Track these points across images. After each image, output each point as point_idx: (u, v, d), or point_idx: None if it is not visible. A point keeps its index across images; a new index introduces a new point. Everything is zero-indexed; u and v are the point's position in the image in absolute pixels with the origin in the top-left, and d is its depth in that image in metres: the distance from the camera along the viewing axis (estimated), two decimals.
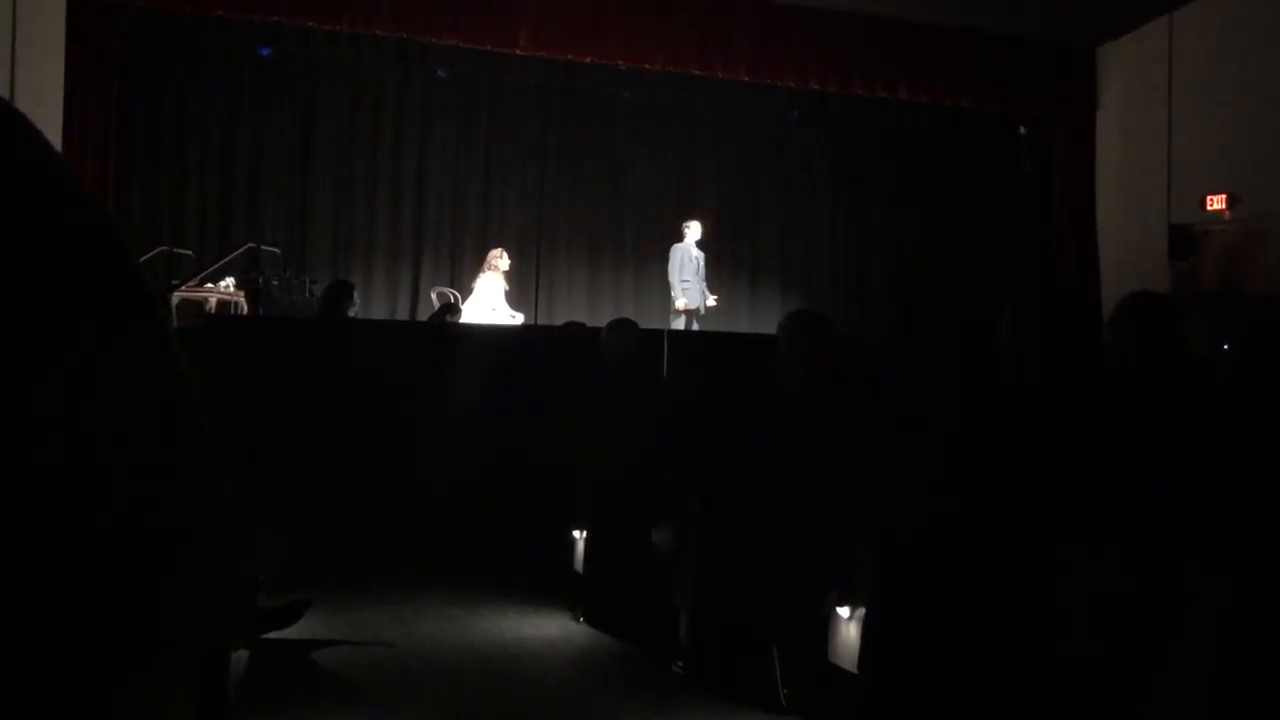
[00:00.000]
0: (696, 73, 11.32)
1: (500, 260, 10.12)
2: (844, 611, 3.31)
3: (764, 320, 11.68)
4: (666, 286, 10.98)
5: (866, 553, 3.18)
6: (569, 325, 7.57)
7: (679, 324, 10.47)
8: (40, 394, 0.56)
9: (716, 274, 11.54)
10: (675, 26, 10.95)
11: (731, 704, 3.75)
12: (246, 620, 4.06)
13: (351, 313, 7.31)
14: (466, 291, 10.43)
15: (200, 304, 9.03)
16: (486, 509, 5.98)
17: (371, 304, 11.02)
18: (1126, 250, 12.17)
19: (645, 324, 5.95)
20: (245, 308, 9.04)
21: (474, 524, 5.93)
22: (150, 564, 0.60)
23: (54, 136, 8.93)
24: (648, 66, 11.14)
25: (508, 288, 10.20)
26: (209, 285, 9.21)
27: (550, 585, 5.21)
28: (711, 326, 10.82)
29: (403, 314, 11.50)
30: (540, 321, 11.38)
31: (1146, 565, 2.43)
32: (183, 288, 8.97)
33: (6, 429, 0.54)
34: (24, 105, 0.68)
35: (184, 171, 10.91)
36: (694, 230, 10.82)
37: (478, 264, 10.58)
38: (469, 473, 6.16)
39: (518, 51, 10.68)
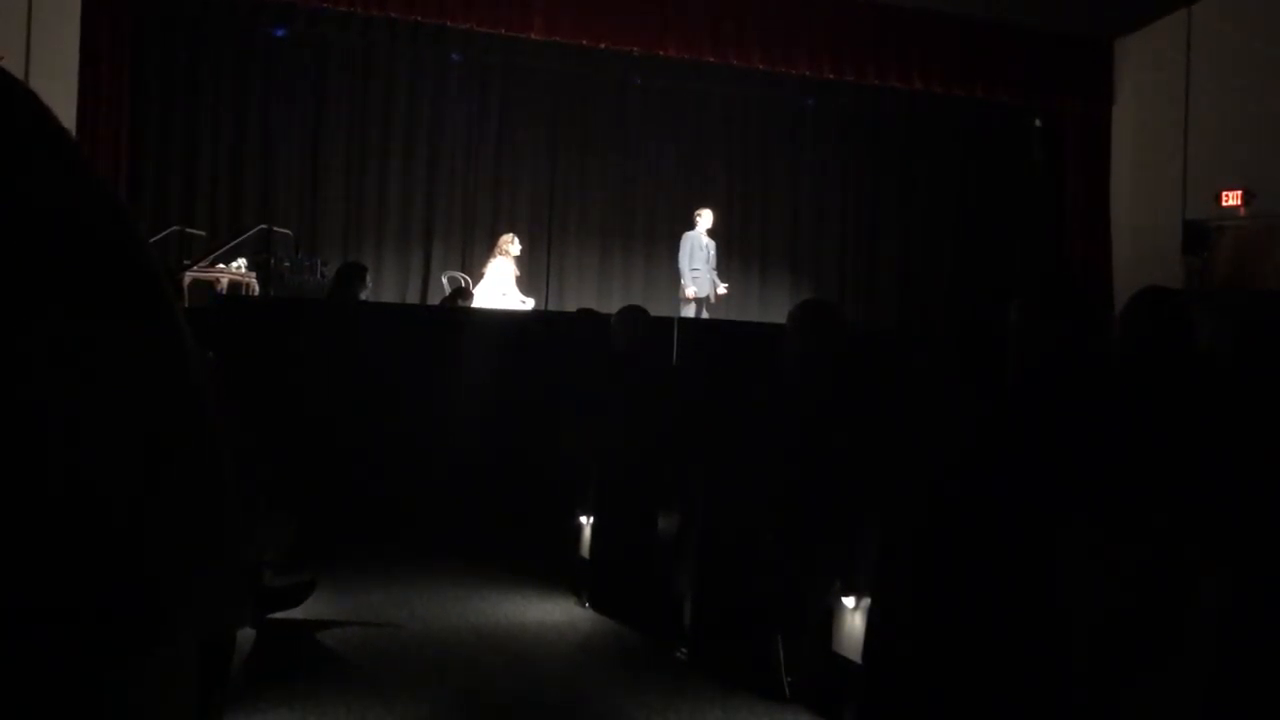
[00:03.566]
0: (710, 60, 11.28)
1: (511, 245, 10.12)
2: (849, 601, 3.31)
3: (774, 309, 11.67)
4: (676, 274, 10.97)
5: (871, 542, 3.18)
6: (581, 313, 7.57)
7: (689, 312, 10.46)
8: (44, 375, 0.56)
9: (726, 262, 11.52)
10: (689, 13, 10.91)
11: (735, 691, 3.76)
12: (252, 601, 4.08)
13: (363, 295, 7.31)
14: (477, 276, 10.43)
15: (212, 284, 9.06)
16: (494, 493, 6.00)
17: (382, 287, 11.04)
18: (1139, 245, 12.12)
19: (654, 311, 5.95)
20: (256, 289, 9.06)
21: (481, 508, 5.95)
22: (152, 545, 0.60)
23: (67, 116, 8.95)
24: (661, 53, 11.11)
25: (518, 273, 10.20)
26: (220, 266, 9.24)
27: (556, 570, 5.23)
28: (721, 315, 10.82)
29: (413, 297, 11.51)
30: (550, 307, 11.38)
31: (1150, 559, 2.43)
32: (194, 268, 9.00)
33: (8, 411, 0.55)
34: (38, 84, 0.69)
35: (196, 152, 10.93)
36: (705, 218, 10.80)
37: (488, 248, 10.58)
38: (477, 457, 6.18)
39: (531, 36, 10.66)
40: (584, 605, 4.90)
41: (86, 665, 0.57)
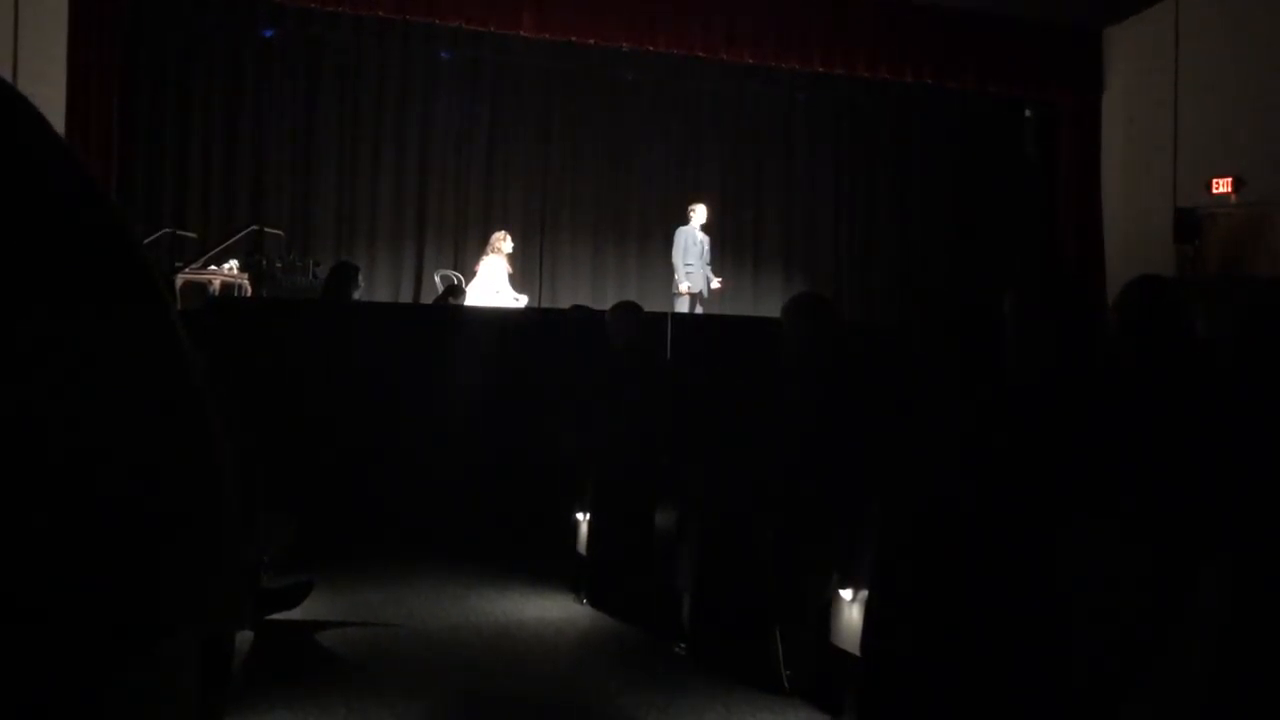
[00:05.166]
0: (701, 55, 11.28)
1: (504, 243, 10.11)
2: (846, 594, 3.32)
3: (767, 303, 11.68)
4: (670, 269, 10.97)
5: (869, 535, 3.18)
6: (575, 309, 7.56)
7: (682, 307, 10.46)
8: (43, 375, 0.56)
9: (720, 257, 11.53)
10: (680, 8, 10.91)
11: (733, 685, 3.76)
12: (250, 602, 4.08)
13: (356, 295, 7.31)
14: (470, 274, 10.42)
15: (204, 286, 9.03)
16: (490, 491, 5.99)
17: (375, 286, 11.02)
18: (1131, 233, 12.15)
19: (649, 307, 5.95)
20: (249, 290, 9.04)
21: (477, 506, 5.94)
22: (152, 546, 0.60)
23: (56, 119, 8.92)
24: (652, 48, 11.10)
25: (511, 270, 10.20)
26: (213, 267, 9.21)
27: (553, 567, 5.23)
28: (715, 310, 10.81)
29: (406, 297, 11.50)
30: (544, 304, 11.38)
31: (1149, 550, 2.43)
32: (186, 270, 8.97)
33: (9, 412, 0.54)
34: (26, 87, 0.68)
35: (187, 153, 10.91)
36: (699, 213, 10.79)
37: (481, 246, 10.58)
38: (473, 455, 6.18)
39: (521, 33, 10.64)
40: (582, 602, 4.90)
41: (88, 665, 0.57)
